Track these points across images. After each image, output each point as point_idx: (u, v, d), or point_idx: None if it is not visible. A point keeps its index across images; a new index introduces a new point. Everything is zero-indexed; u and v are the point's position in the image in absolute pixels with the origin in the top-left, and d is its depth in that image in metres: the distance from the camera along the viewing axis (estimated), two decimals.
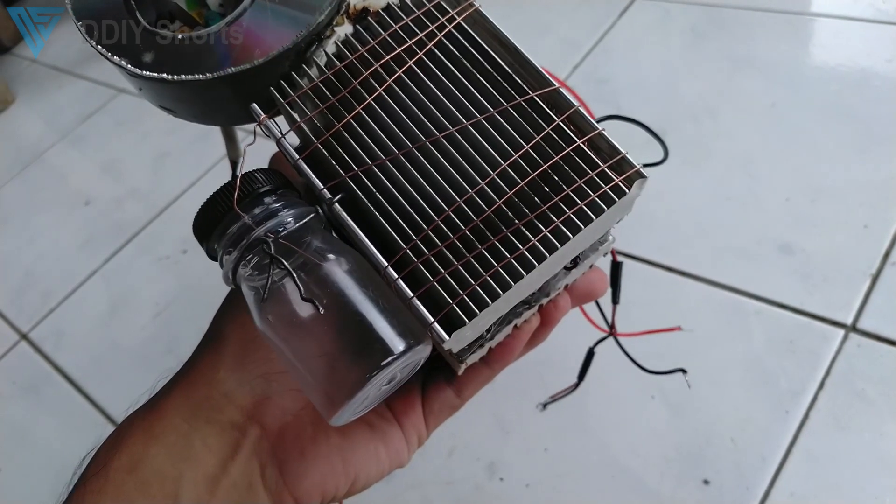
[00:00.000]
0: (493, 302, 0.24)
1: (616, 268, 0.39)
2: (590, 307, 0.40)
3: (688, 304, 0.53)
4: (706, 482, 0.45)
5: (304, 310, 0.24)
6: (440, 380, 0.32)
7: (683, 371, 0.39)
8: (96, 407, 0.63)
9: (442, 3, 0.28)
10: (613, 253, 0.34)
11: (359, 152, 0.27)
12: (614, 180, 0.24)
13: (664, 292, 0.54)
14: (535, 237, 0.24)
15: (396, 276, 0.25)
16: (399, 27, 0.28)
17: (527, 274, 0.24)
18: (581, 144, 0.25)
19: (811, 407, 0.46)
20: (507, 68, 0.26)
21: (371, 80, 0.27)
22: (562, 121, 0.25)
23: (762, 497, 0.43)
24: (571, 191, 0.24)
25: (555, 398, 0.35)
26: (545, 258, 0.24)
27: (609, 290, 0.39)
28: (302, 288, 0.24)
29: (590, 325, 0.42)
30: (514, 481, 0.48)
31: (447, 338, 0.24)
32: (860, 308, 0.49)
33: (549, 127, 0.25)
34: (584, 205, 0.24)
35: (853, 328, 0.48)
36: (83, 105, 1.03)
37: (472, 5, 0.28)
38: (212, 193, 0.27)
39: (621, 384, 0.49)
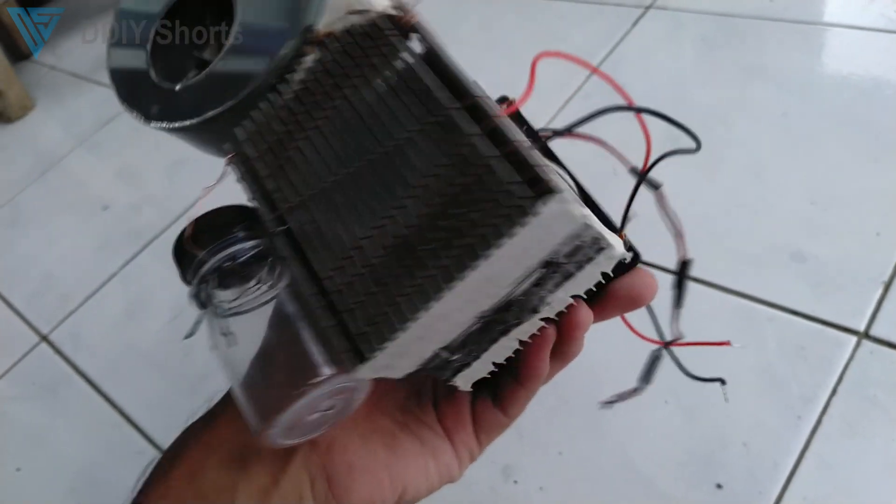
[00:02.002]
0: (393, 339, 0.23)
1: (683, 267, 0.34)
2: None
3: (700, 310, 0.53)
4: (719, 486, 0.45)
5: (225, 342, 0.28)
6: (486, 398, 0.32)
7: (722, 382, 0.37)
8: (115, 408, 0.64)
9: (377, 23, 0.27)
10: (681, 248, 0.30)
11: (294, 186, 0.26)
12: (519, 200, 0.22)
13: None
14: (434, 268, 0.23)
15: (317, 304, 0.24)
16: (336, 56, 0.27)
17: (426, 309, 0.23)
18: (492, 162, 0.22)
19: (824, 413, 0.46)
20: (429, 86, 0.24)
21: (305, 116, 0.27)
22: (477, 136, 0.23)
23: (775, 501, 0.44)
24: (474, 215, 0.22)
25: (620, 398, 0.34)
26: (441, 292, 0.22)
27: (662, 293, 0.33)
28: (219, 327, 0.28)
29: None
30: (529, 484, 0.49)
31: (358, 368, 0.23)
32: (873, 315, 0.50)
33: (459, 146, 0.23)
34: (485, 231, 0.22)
35: (866, 335, 0.49)
36: (101, 111, 1.05)
37: (406, 20, 0.26)
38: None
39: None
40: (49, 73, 1.20)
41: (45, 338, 0.74)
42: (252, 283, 0.28)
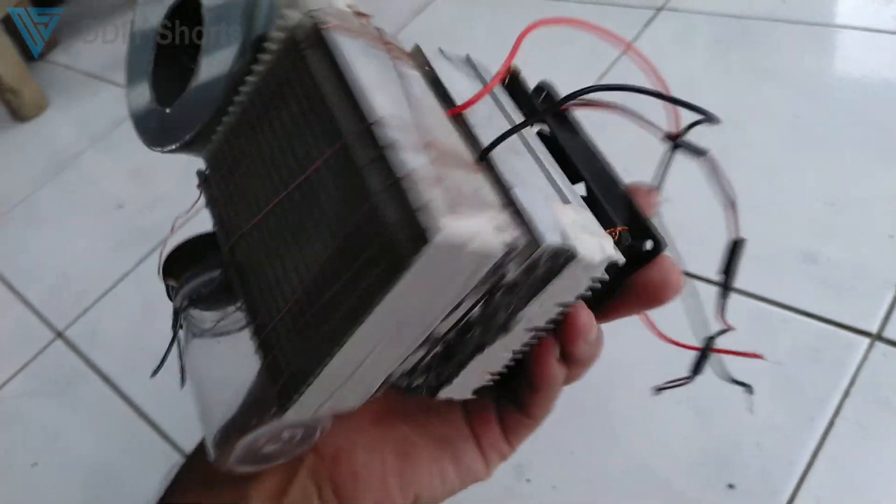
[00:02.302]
0: (305, 389, 0.22)
1: (734, 249, 0.29)
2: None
3: (712, 311, 0.54)
4: (731, 486, 0.45)
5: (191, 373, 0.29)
6: (509, 401, 0.32)
7: (750, 390, 0.35)
8: (130, 404, 0.65)
9: (295, 33, 0.23)
10: (733, 225, 0.27)
11: (241, 216, 0.25)
12: (396, 248, 0.19)
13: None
14: (332, 320, 0.21)
15: (256, 342, 0.24)
16: (268, 71, 0.24)
17: (330, 358, 0.21)
18: (378, 199, 0.19)
19: (836, 414, 0.46)
20: (331, 108, 0.22)
21: (248, 139, 0.25)
22: (367, 168, 0.20)
23: (787, 502, 0.44)
24: (360, 264, 0.20)
25: (670, 385, 0.31)
26: (336, 347, 0.21)
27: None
28: (181, 361, 0.29)
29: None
30: (541, 483, 0.49)
31: (284, 414, 0.23)
32: (885, 317, 0.50)
33: (353, 179, 0.20)
34: (364, 287, 0.20)
35: (878, 337, 0.49)
36: (115, 111, 1.05)
37: (316, 29, 0.23)
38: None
39: (647, 388, 0.50)
40: (63, 72, 1.21)
41: (60, 334, 0.75)
42: (232, 307, 0.28)
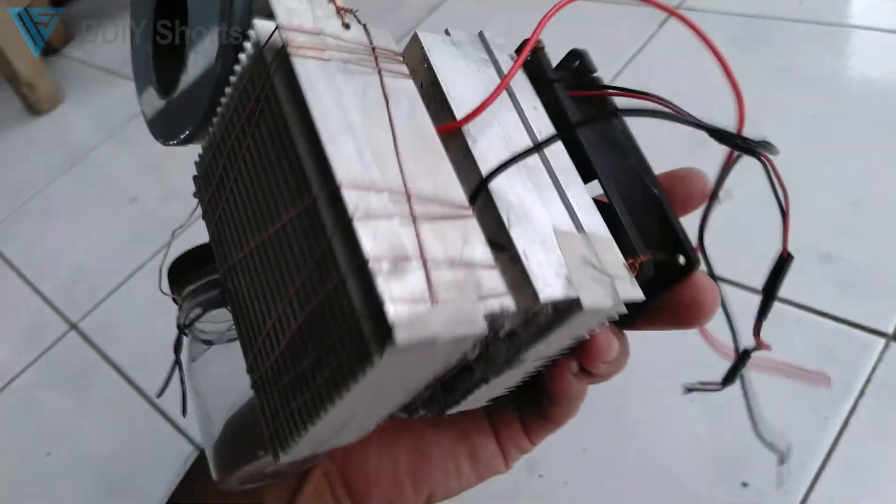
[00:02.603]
0: (294, 444, 0.21)
1: (780, 266, 0.27)
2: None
3: (742, 313, 0.54)
4: (744, 485, 0.45)
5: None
6: (530, 406, 0.31)
7: (783, 458, 0.33)
8: (143, 396, 0.65)
9: (264, 54, 0.21)
10: (783, 239, 0.25)
11: (230, 243, 0.24)
12: (362, 343, 0.17)
13: None
14: (309, 390, 0.20)
15: (251, 383, 0.23)
16: (243, 84, 0.22)
17: (313, 424, 0.20)
18: (346, 280, 0.18)
19: (851, 414, 0.46)
20: (300, 155, 0.19)
21: (230, 157, 0.23)
22: (336, 238, 0.18)
23: (800, 501, 0.44)
24: (328, 345, 0.19)
25: (702, 387, 0.29)
26: (316, 417, 0.20)
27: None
28: (182, 387, 0.30)
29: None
30: (553, 479, 0.49)
31: (279, 458, 0.22)
32: None
33: (320, 248, 0.19)
34: (332, 372, 0.19)
35: (894, 338, 0.49)
36: (130, 106, 1.05)
37: (283, 53, 0.20)
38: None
39: (661, 386, 0.50)
40: (79, 67, 1.22)
41: (74, 326, 0.75)
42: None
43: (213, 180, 0.24)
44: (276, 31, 0.20)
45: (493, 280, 0.19)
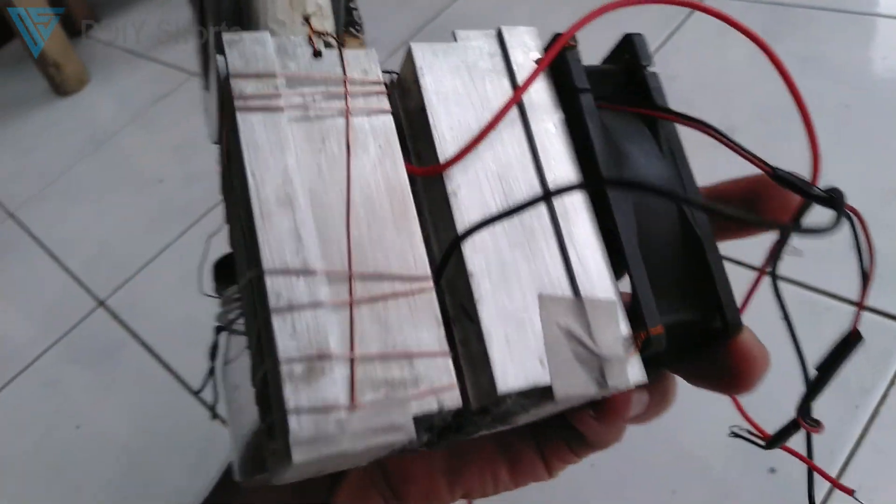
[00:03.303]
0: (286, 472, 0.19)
1: (846, 343, 0.22)
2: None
3: (758, 298, 0.53)
4: (772, 471, 0.45)
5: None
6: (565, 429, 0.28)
7: None
8: (171, 372, 0.66)
9: (223, 89, 0.19)
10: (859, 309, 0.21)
11: (243, 261, 0.22)
12: (278, 435, 0.16)
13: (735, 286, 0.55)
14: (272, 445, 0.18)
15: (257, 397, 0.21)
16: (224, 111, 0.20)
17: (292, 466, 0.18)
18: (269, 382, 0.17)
19: (881, 403, 0.46)
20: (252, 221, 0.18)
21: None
22: (268, 319, 0.17)
23: (828, 488, 0.44)
24: (267, 423, 0.18)
25: (749, 437, 0.27)
26: (288, 465, 0.18)
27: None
28: (218, 390, 0.29)
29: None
30: (581, 461, 0.49)
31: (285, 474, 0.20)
32: None
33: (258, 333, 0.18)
34: (277, 446, 0.17)
35: None
36: (155, 87, 1.07)
37: (230, 105, 0.19)
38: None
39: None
40: (105, 49, 1.23)
41: (102, 303, 0.76)
42: None
43: (227, 194, 0.23)
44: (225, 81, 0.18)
45: (438, 371, 0.17)
